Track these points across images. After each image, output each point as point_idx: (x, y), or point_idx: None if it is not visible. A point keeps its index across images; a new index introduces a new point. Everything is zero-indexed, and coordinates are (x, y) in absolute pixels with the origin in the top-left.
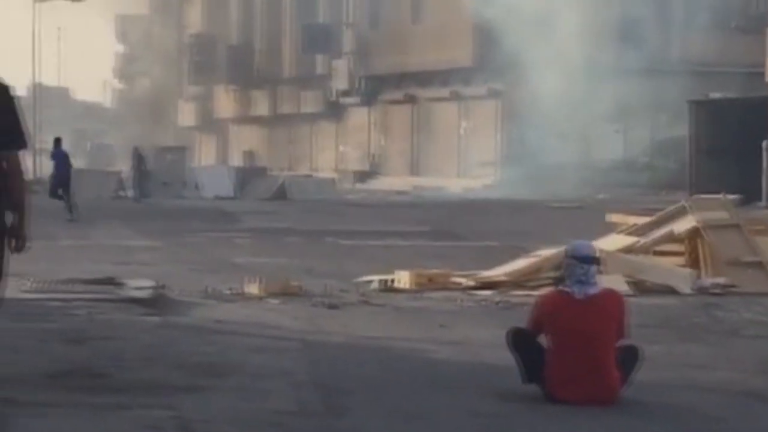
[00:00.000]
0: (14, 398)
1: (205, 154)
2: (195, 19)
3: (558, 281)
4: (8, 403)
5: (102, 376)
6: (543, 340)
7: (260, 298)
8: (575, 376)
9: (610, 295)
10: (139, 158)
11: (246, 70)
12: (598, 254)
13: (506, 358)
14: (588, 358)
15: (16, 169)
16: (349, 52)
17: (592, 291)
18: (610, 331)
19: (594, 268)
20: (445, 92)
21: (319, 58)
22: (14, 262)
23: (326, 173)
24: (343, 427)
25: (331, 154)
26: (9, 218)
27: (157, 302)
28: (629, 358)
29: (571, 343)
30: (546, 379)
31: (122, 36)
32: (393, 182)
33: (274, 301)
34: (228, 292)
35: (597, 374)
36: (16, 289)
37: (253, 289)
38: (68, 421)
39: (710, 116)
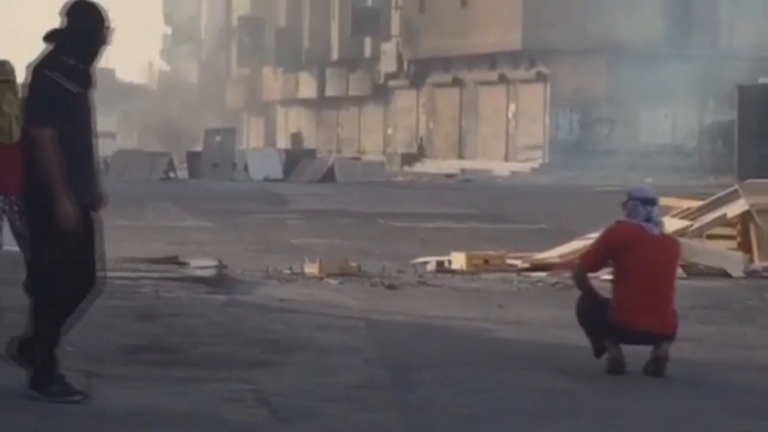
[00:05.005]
0: (96, 371)
1: (252, 137)
2: (243, 1)
3: None
4: (92, 375)
5: (176, 351)
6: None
7: (320, 279)
8: (641, 306)
9: (672, 237)
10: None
11: (294, 52)
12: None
13: (567, 336)
14: (655, 290)
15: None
16: (397, 35)
17: (660, 230)
18: (676, 269)
19: (657, 208)
20: (492, 75)
21: (367, 41)
22: None
23: (373, 156)
24: (414, 401)
25: (378, 137)
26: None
27: (220, 281)
28: None
29: (642, 274)
30: (611, 308)
31: (169, 17)
32: (440, 165)
33: (334, 282)
34: (288, 272)
35: (662, 306)
36: None
37: (312, 269)
38: (151, 392)
39: (758, 101)
